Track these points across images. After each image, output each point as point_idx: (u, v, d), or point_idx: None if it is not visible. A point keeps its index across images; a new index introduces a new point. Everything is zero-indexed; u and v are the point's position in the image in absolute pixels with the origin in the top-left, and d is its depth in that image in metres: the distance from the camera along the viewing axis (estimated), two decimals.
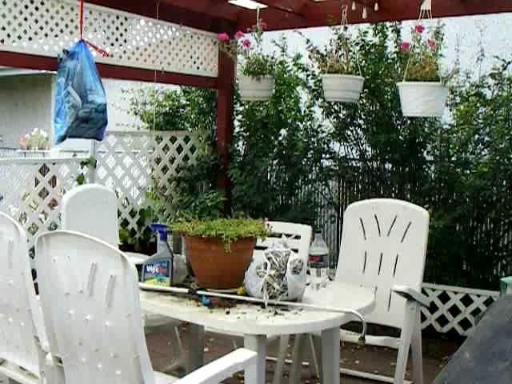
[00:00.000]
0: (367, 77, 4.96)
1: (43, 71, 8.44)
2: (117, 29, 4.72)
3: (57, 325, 2.24)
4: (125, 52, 4.83)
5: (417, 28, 3.96)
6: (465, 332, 4.64)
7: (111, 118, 4.41)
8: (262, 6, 4.93)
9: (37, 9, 4.20)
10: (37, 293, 2.58)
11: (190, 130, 6.26)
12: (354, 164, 5.61)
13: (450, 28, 4.38)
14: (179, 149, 5.92)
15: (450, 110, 5.01)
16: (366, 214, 3.78)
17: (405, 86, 3.98)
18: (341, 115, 5.42)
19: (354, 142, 5.50)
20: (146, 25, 4.99)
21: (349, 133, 5.49)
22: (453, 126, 5.05)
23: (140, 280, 2.80)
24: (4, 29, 4.05)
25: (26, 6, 4.15)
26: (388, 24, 5.07)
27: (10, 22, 4.07)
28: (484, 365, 1.43)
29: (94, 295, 2.07)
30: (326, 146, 5.59)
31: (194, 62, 5.45)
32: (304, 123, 5.71)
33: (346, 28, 4.58)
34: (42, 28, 4.23)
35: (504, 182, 4.89)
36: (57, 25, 4.31)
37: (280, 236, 3.67)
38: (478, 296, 4.64)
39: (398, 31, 5.03)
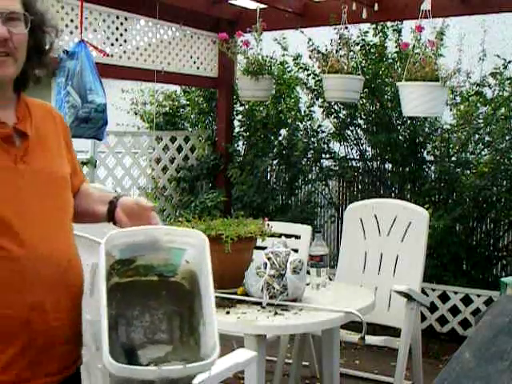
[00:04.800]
0: (367, 77, 4.96)
1: None
2: (117, 29, 4.72)
3: None
4: (125, 52, 4.83)
5: (417, 28, 3.96)
6: (465, 332, 4.64)
7: (111, 118, 4.41)
8: (262, 5, 4.93)
9: None
10: None
11: (190, 130, 6.26)
12: (354, 164, 5.61)
13: (451, 28, 4.38)
14: (179, 149, 5.93)
15: (450, 110, 5.02)
16: (366, 213, 3.78)
17: (405, 86, 3.98)
18: (341, 115, 5.42)
19: (354, 142, 5.50)
20: (146, 25, 4.99)
21: (349, 133, 5.49)
22: (453, 125, 5.06)
23: None
24: None
25: None
26: (389, 24, 5.07)
27: None
28: (484, 365, 1.43)
29: (95, 295, 2.07)
30: (326, 145, 5.59)
31: (194, 62, 5.45)
32: (304, 123, 5.71)
33: (346, 28, 4.58)
34: None
35: (504, 182, 4.89)
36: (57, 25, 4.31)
37: (280, 236, 3.68)
38: (478, 296, 4.64)
39: (399, 31, 5.03)
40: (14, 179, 1.49)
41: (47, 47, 1.61)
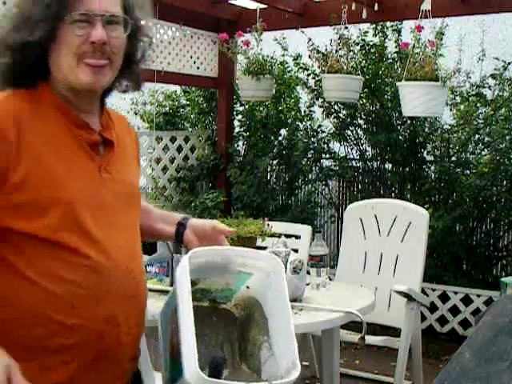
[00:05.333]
0: (367, 77, 4.96)
1: None
2: None
3: None
4: None
5: (416, 28, 3.96)
6: (465, 332, 4.64)
7: None
8: (262, 6, 4.93)
9: None
10: None
11: (190, 130, 6.26)
12: (354, 164, 5.61)
13: (451, 28, 4.38)
14: (179, 149, 5.93)
15: (450, 110, 5.01)
16: (366, 213, 3.78)
17: (405, 86, 3.98)
18: (341, 115, 5.42)
19: (354, 142, 5.50)
20: (146, 25, 4.98)
21: (349, 133, 5.49)
22: (453, 126, 5.06)
23: None
24: None
25: None
26: (388, 24, 5.07)
27: None
28: (484, 365, 1.42)
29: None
30: (326, 145, 5.59)
31: (194, 62, 5.44)
32: (304, 123, 5.71)
33: (346, 28, 4.58)
34: None
35: (504, 182, 4.89)
36: None
37: (280, 236, 3.67)
38: (478, 296, 4.64)
39: (398, 31, 5.03)
40: (98, 188, 1.47)
41: (139, 57, 1.57)
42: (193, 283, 1.54)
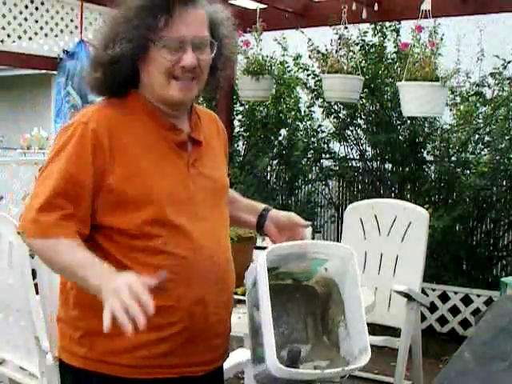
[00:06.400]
0: (367, 77, 4.96)
1: (43, 71, 8.44)
2: None
3: None
4: None
5: (416, 28, 3.96)
6: (465, 332, 4.64)
7: None
8: (262, 6, 4.93)
9: (37, 9, 4.21)
10: (37, 293, 2.59)
11: None
12: (354, 164, 5.61)
13: (450, 28, 4.38)
14: None
15: (450, 110, 5.01)
16: (366, 213, 3.78)
17: (405, 86, 3.98)
18: (341, 115, 5.42)
19: (354, 141, 5.50)
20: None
21: (349, 133, 5.49)
22: (453, 125, 5.06)
23: None
24: (4, 29, 4.06)
25: (26, 6, 4.15)
26: (387, 24, 5.07)
27: (10, 22, 4.08)
28: (484, 365, 1.43)
29: None
30: (326, 145, 5.59)
31: None
32: (304, 123, 5.71)
33: (346, 28, 4.58)
34: (42, 28, 4.24)
35: (504, 182, 4.89)
36: (57, 25, 4.32)
37: None
38: (478, 296, 4.64)
39: (397, 31, 5.03)
40: (186, 183, 1.62)
41: (222, 66, 1.72)
42: (274, 269, 1.69)
